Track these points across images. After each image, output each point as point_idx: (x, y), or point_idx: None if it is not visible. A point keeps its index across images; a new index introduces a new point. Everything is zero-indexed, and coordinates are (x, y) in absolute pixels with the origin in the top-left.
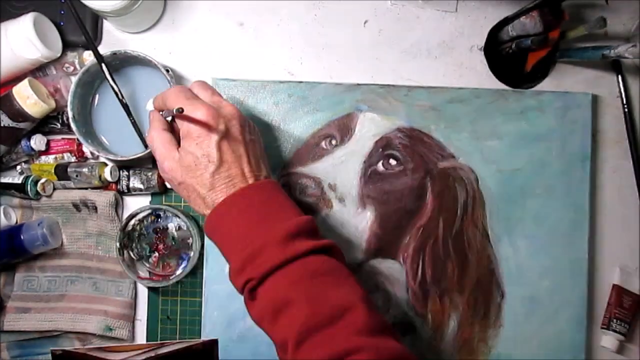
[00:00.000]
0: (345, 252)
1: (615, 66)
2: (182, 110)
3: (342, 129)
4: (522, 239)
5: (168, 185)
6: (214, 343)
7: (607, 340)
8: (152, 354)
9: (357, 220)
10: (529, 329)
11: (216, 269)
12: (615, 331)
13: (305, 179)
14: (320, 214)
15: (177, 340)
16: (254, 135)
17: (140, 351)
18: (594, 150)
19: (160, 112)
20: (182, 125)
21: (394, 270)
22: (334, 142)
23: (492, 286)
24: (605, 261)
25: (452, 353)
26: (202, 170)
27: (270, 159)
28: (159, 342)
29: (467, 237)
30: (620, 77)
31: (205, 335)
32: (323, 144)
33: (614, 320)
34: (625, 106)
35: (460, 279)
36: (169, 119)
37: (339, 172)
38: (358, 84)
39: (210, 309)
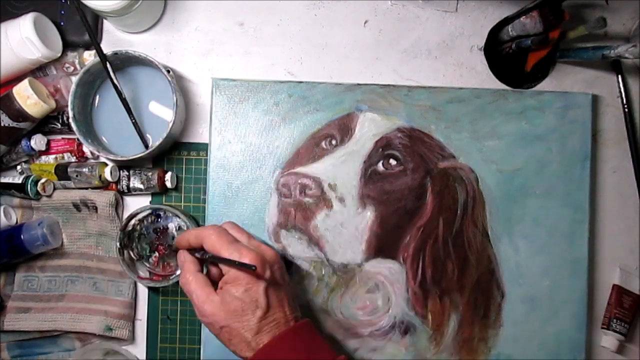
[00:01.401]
0: (345, 252)
1: (615, 66)
2: (237, 262)
3: (342, 129)
4: (522, 239)
5: (169, 186)
6: None
7: (607, 340)
8: None
9: (357, 220)
10: (529, 329)
11: None
12: (615, 331)
13: (305, 179)
14: (320, 214)
15: None
16: (287, 277)
17: None
18: (594, 150)
19: (197, 254)
20: (229, 271)
21: (394, 270)
22: (334, 142)
23: (492, 286)
24: (605, 261)
25: (452, 353)
26: (249, 316)
27: (270, 159)
28: None
29: (467, 237)
30: (620, 77)
31: (205, 336)
32: (323, 144)
33: (614, 320)
34: (625, 106)
35: (460, 279)
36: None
37: (339, 172)
38: (358, 84)
39: None
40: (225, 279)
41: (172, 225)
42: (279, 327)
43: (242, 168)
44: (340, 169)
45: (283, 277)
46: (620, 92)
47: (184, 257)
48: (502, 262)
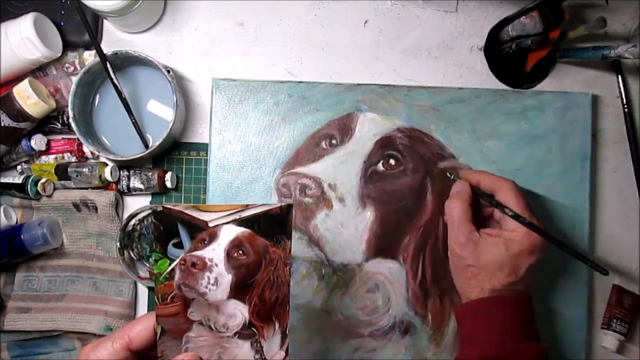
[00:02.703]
0: (345, 252)
1: (615, 66)
2: (530, 222)
3: (342, 129)
4: None
5: (169, 186)
6: (289, 207)
7: (607, 340)
8: (237, 216)
9: (357, 220)
10: None
11: None
12: (615, 331)
13: (305, 179)
14: (320, 214)
15: (259, 204)
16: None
17: (227, 212)
18: (594, 150)
19: (485, 198)
20: (514, 231)
21: (394, 270)
22: (334, 142)
23: None
24: (605, 261)
25: (452, 353)
26: (501, 277)
27: (270, 159)
28: (243, 204)
29: None
30: (620, 77)
31: None
32: (323, 144)
33: (614, 320)
34: (625, 106)
35: None
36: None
37: (339, 172)
38: (358, 84)
39: None
40: (503, 233)
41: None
42: (509, 291)
43: (242, 168)
44: (340, 169)
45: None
46: (620, 92)
47: (462, 186)
48: None
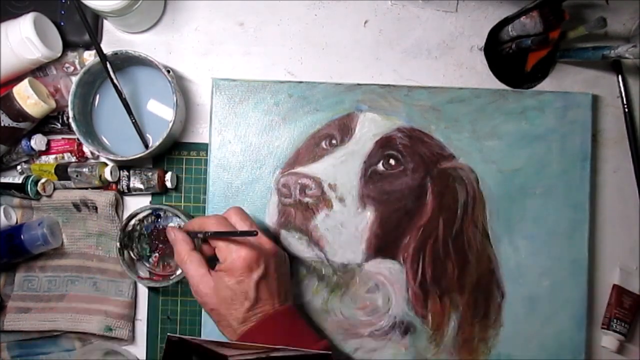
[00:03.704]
0: (345, 252)
1: (616, 66)
2: (238, 232)
3: (342, 129)
4: (522, 239)
5: (169, 186)
6: (327, 356)
7: (607, 340)
8: (264, 355)
9: (357, 220)
10: (529, 329)
11: None
12: (615, 331)
13: (305, 179)
14: (320, 214)
15: (292, 348)
16: (284, 268)
17: (253, 351)
18: (594, 150)
19: (198, 234)
20: (225, 261)
21: (394, 270)
22: (334, 142)
23: (492, 286)
24: (605, 261)
25: (452, 353)
26: (237, 306)
27: (270, 159)
28: (271, 346)
29: (467, 237)
30: (620, 77)
31: (205, 335)
32: (323, 144)
33: (614, 320)
34: (625, 106)
35: (460, 279)
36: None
37: (339, 172)
38: (358, 84)
39: None
40: (221, 266)
41: (172, 225)
42: (264, 317)
43: (242, 168)
44: (340, 169)
45: (279, 269)
46: (620, 92)
47: (174, 234)
48: (502, 262)
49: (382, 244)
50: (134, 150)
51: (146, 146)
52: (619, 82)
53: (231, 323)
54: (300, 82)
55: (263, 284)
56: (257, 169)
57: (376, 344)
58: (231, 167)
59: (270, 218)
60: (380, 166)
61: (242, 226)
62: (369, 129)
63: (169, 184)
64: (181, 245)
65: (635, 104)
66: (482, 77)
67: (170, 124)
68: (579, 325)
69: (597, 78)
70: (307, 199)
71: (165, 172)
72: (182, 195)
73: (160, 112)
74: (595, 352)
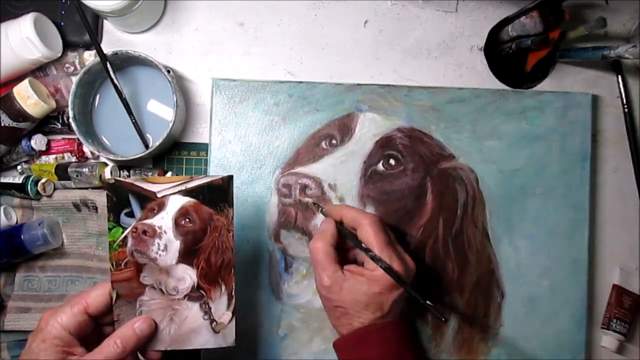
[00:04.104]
0: None
1: (615, 66)
2: (388, 268)
3: (342, 129)
4: (522, 239)
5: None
6: (230, 178)
7: (607, 340)
8: (183, 187)
9: None
10: (529, 329)
11: None
12: (615, 331)
13: (305, 179)
14: (320, 214)
15: (202, 176)
16: None
17: (173, 184)
18: (594, 150)
19: (361, 246)
20: (375, 270)
21: None
22: (334, 142)
23: (492, 286)
24: (605, 261)
25: (452, 353)
26: (368, 313)
27: (270, 159)
28: (188, 177)
29: (467, 237)
30: (620, 77)
31: None
32: (323, 144)
33: (614, 320)
34: (625, 106)
35: (460, 279)
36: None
37: (339, 172)
38: (358, 84)
39: None
40: (365, 272)
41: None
42: (384, 324)
43: (242, 168)
44: (340, 169)
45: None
46: (620, 92)
47: (327, 226)
48: (502, 262)
49: None
50: (134, 150)
51: (146, 146)
52: (618, 82)
53: (353, 323)
54: (300, 82)
55: (398, 301)
56: (257, 169)
57: None
58: (231, 167)
59: (270, 218)
60: (380, 166)
61: (373, 240)
62: (369, 129)
63: None
64: (326, 236)
65: (635, 104)
66: (482, 77)
67: (171, 124)
68: (579, 325)
69: (597, 78)
70: (307, 199)
71: (166, 172)
72: None
73: (160, 112)
74: (595, 352)
